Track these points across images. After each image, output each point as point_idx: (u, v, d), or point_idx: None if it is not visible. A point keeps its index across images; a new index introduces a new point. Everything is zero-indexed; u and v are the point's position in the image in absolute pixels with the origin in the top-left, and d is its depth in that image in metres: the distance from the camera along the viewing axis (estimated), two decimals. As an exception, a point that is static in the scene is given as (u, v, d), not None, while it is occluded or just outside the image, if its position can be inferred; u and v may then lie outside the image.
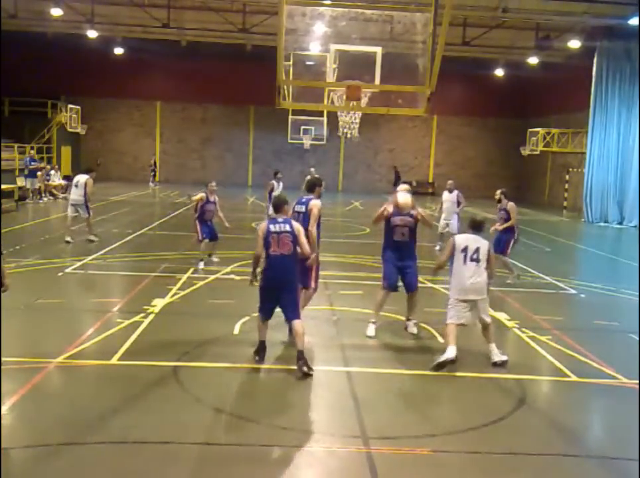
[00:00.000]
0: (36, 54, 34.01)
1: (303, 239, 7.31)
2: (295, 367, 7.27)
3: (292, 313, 7.32)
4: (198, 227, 12.71)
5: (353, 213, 26.28)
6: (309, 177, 8.79)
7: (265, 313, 7.41)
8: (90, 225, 15.47)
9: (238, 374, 7.08)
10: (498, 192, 12.70)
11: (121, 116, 39.61)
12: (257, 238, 7.28)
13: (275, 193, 17.02)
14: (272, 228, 7.20)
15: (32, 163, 24.93)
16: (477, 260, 7.46)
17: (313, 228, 8.19)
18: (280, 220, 7.30)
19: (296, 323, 7.26)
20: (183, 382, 6.74)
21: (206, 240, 12.81)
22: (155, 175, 37.56)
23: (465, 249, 7.50)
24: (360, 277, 12.43)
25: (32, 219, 20.35)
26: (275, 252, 7.16)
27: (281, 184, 18.45)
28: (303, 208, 8.41)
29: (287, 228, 7.21)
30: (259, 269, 7.37)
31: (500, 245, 12.05)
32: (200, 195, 12.81)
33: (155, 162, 38.45)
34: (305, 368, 7.03)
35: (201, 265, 12.62)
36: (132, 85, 38.24)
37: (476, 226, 7.74)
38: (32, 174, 24.72)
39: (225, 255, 14.10)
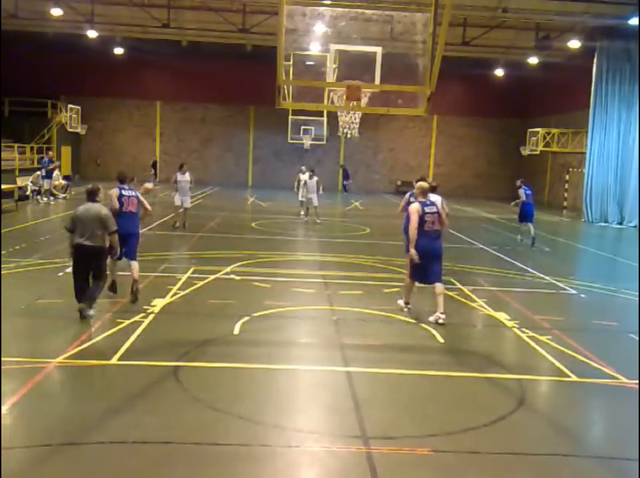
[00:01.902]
0: (36, 54, 34.03)
1: (144, 200, 10.24)
2: (296, 367, 7.29)
3: (133, 254, 10.00)
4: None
5: (353, 213, 26.29)
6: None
7: (120, 255, 9.72)
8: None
9: (238, 374, 7.08)
10: (519, 181, 18.85)
11: (121, 116, 39.62)
12: (111, 198, 10.00)
13: (303, 185, 21.51)
14: (124, 192, 10.09)
15: (50, 164, 25.38)
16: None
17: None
18: (127, 188, 10.18)
19: (133, 263, 9.90)
20: (183, 382, 6.74)
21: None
22: (155, 175, 37.48)
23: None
24: (360, 277, 12.43)
25: (33, 219, 20.36)
26: (127, 210, 9.97)
27: (314, 178, 21.30)
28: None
29: (134, 193, 10.18)
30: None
31: (523, 216, 18.29)
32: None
33: (155, 162, 38.31)
34: (135, 288, 9.69)
35: None
36: (132, 85, 38.25)
37: (433, 189, 10.94)
38: (48, 175, 25.06)
39: (225, 255, 14.12)
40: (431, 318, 9.27)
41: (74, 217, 8.69)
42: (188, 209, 18.73)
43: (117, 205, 9.86)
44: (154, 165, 38.17)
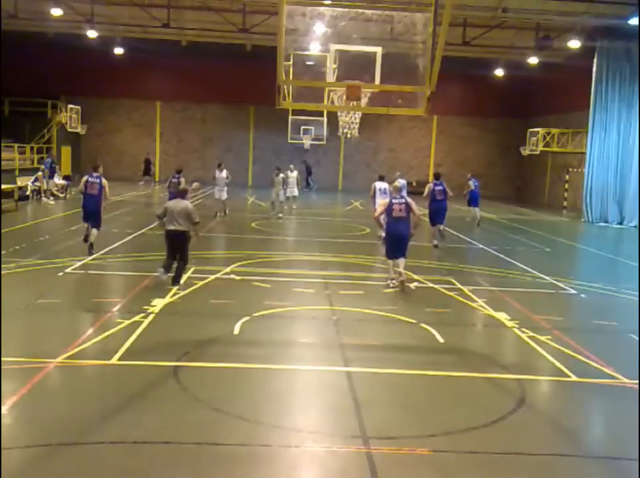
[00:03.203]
0: (36, 54, 33.99)
1: (106, 187, 13.40)
2: (296, 367, 7.30)
3: (95, 224, 13.35)
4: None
5: (353, 213, 26.28)
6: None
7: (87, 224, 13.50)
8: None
9: (238, 374, 7.09)
10: (469, 174, 23.32)
11: (121, 116, 39.57)
12: (80, 183, 13.54)
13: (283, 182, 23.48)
14: (89, 179, 13.31)
15: (54, 165, 25.58)
16: (385, 192, 15.79)
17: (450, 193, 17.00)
18: (95, 175, 13.37)
19: (94, 229, 13.33)
20: (183, 382, 6.74)
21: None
22: (148, 173, 36.51)
23: (385, 189, 16.10)
24: (360, 277, 12.43)
25: (33, 219, 20.35)
26: (89, 192, 13.29)
27: (281, 175, 23.45)
28: (441, 187, 16.69)
29: (97, 180, 13.31)
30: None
31: (470, 202, 22.51)
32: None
33: (148, 160, 37.27)
34: (90, 243, 13.32)
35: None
36: (132, 85, 38.19)
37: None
38: (49, 175, 25.25)
39: (225, 255, 14.12)
40: (393, 283, 11.50)
41: (166, 208, 11.00)
42: (224, 200, 21.67)
43: (82, 187, 13.32)
44: (147, 162, 36.95)
